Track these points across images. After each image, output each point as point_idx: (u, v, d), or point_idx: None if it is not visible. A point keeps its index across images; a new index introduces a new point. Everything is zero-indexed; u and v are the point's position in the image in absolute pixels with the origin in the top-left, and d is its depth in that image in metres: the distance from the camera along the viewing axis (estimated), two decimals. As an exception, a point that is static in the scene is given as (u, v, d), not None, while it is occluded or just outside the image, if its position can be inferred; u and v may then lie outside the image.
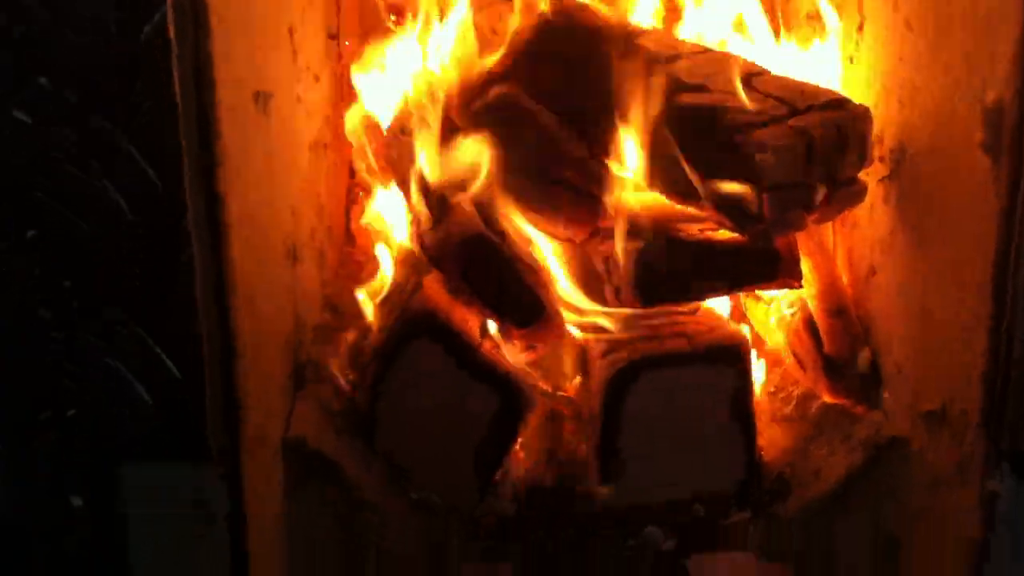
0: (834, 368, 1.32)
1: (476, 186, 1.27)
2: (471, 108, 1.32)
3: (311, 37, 1.40)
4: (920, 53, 1.18)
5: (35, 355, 1.07)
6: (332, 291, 1.46)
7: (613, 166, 1.29)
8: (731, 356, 1.27)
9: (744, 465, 1.29)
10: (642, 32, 1.32)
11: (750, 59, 1.29)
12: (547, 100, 1.31)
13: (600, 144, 1.29)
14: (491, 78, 1.32)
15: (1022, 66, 1.04)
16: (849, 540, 1.27)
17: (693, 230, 1.28)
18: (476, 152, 1.27)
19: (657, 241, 1.26)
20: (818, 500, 1.27)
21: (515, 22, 1.34)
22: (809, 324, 1.35)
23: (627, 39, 1.28)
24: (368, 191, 1.51)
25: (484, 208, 1.28)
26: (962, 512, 1.17)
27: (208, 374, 1.06)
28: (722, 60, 1.28)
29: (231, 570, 1.08)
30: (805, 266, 1.30)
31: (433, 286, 1.28)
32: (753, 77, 1.25)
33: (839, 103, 1.21)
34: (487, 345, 1.28)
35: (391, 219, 1.46)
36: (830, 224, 1.37)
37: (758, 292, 1.39)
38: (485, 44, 1.35)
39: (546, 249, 1.30)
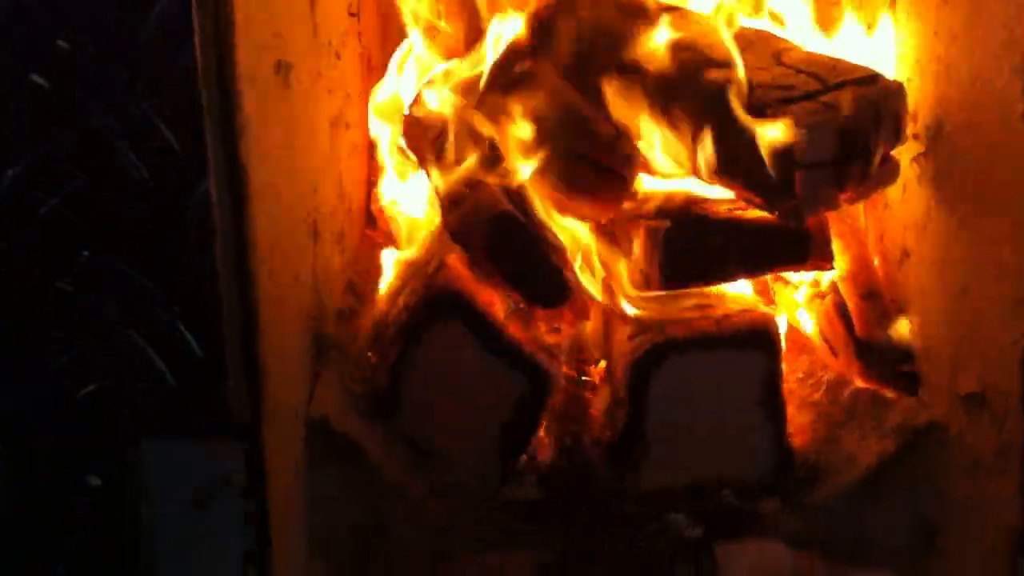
0: (867, 352, 1.30)
1: (501, 166, 1.25)
2: (495, 85, 1.29)
3: (332, 14, 1.38)
4: (955, 26, 1.16)
5: (41, 350, 1.05)
6: (352, 274, 1.44)
7: (639, 144, 1.26)
8: (761, 340, 1.24)
9: (773, 452, 1.26)
10: (668, 8, 1.29)
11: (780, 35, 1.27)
12: (572, 76, 1.29)
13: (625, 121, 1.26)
14: (515, 54, 1.30)
15: (1064, 36, 1.01)
16: (882, 528, 1.25)
17: (721, 209, 1.26)
18: (501, 130, 1.25)
19: (683, 220, 1.24)
20: (849, 487, 1.25)
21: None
22: (840, 308, 1.32)
23: (654, 14, 1.26)
24: (389, 172, 1.49)
25: (509, 186, 1.26)
26: (1001, 500, 1.14)
27: (228, 350, 1.05)
28: (751, 35, 1.26)
29: (253, 542, 1.07)
30: (836, 247, 1.27)
31: (456, 265, 1.26)
32: (783, 52, 1.23)
33: (872, 79, 1.19)
34: (512, 326, 1.25)
35: (413, 199, 1.44)
36: (861, 205, 1.35)
37: (788, 274, 1.37)
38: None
39: (572, 229, 1.29)
